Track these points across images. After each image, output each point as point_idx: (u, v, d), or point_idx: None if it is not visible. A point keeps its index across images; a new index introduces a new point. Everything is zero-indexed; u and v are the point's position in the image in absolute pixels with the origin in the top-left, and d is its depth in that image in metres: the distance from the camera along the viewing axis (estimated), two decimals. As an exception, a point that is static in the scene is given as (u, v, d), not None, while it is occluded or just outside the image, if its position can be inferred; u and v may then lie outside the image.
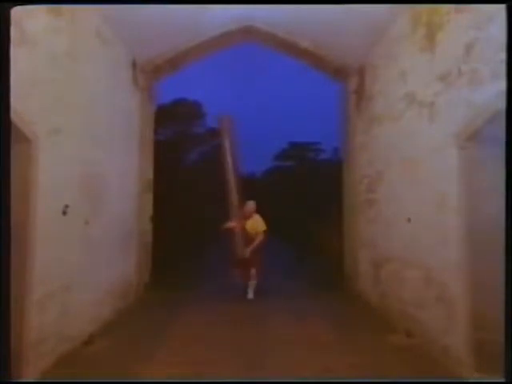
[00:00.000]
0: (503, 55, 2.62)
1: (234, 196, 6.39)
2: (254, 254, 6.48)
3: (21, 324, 3.12)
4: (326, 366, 3.61)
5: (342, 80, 7.41)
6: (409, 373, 3.49)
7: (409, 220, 4.61)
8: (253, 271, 6.48)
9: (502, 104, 2.54)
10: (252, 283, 6.52)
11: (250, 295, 6.47)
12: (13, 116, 2.57)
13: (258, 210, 6.82)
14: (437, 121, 4.03)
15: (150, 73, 6.94)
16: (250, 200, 6.73)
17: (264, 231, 6.62)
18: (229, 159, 6.51)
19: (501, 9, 2.68)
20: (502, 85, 2.59)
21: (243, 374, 3.47)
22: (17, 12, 2.29)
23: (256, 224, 6.64)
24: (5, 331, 2.03)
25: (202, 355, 3.91)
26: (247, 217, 6.59)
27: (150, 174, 7.17)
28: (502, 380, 2.13)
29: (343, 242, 7.44)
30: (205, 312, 5.56)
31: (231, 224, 6.41)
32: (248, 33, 6.70)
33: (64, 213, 3.88)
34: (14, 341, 2.73)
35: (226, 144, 6.62)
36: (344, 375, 3.38)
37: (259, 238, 6.54)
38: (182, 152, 18.08)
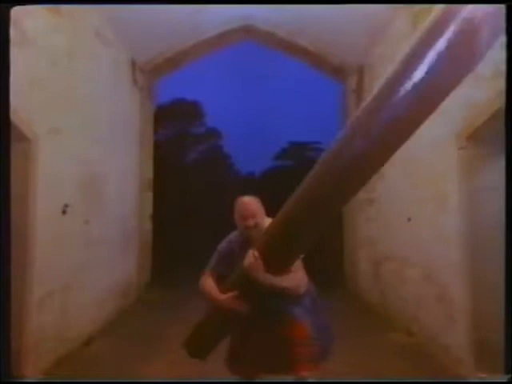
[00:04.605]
0: (503, 54, 2.62)
1: None
2: None
3: (21, 324, 3.12)
4: (326, 366, 3.60)
5: (342, 79, 7.41)
6: (409, 372, 3.49)
7: (409, 219, 4.61)
8: None
9: (501, 103, 2.54)
10: None
11: None
12: (12, 115, 2.56)
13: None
14: (436, 120, 4.01)
15: (150, 72, 6.94)
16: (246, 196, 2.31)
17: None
18: None
19: (501, 9, 2.68)
20: (502, 84, 2.59)
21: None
22: (17, 12, 2.29)
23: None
24: (5, 331, 2.02)
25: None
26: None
27: (149, 174, 7.17)
28: (503, 380, 2.13)
29: (343, 241, 7.45)
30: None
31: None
32: (247, 32, 6.70)
33: (64, 212, 3.88)
34: (15, 341, 2.72)
35: None
36: (344, 375, 3.38)
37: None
38: (181, 151, 18.07)
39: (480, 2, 3.41)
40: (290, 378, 2.21)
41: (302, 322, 2.17)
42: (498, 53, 2.85)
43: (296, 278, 2.06)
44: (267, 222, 2.19)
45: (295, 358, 2.11)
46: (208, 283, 2.27)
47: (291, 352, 2.12)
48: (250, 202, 2.26)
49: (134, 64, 6.36)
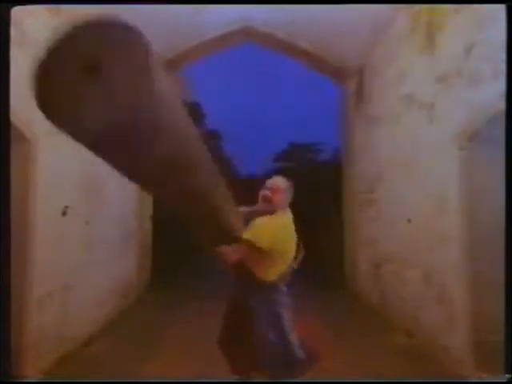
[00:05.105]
0: (503, 55, 2.62)
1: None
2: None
3: (21, 324, 3.12)
4: (326, 366, 3.61)
5: (342, 81, 7.42)
6: (409, 373, 3.49)
7: (409, 220, 4.61)
8: None
9: (501, 104, 2.54)
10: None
11: None
12: (12, 116, 2.57)
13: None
14: (437, 121, 4.03)
15: (150, 73, 6.94)
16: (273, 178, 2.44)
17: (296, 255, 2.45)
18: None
19: (501, 9, 2.68)
20: (502, 85, 2.59)
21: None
22: (17, 12, 2.29)
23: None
24: (5, 331, 2.03)
25: (202, 355, 3.91)
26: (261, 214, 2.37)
27: (149, 174, 7.16)
28: (503, 380, 2.13)
29: (343, 242, 7.45)
30: (205, 312, 5.56)
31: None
32: (247, 34, 6.70)
33: (64, 213, 3.87)
34: (15, 341, 2.72)
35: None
36: (344, 375, 3.38)
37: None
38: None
39: (480, 2, 3.41)
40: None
41: (257, 327, 2.34)
42: (498, 54, 2.86)
43: (227, 248, 2.15)
44: (288, 212, 2.32)
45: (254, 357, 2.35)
46: None
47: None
48: (277, 180, 2.34)
49: (134, 64, 6.35)
